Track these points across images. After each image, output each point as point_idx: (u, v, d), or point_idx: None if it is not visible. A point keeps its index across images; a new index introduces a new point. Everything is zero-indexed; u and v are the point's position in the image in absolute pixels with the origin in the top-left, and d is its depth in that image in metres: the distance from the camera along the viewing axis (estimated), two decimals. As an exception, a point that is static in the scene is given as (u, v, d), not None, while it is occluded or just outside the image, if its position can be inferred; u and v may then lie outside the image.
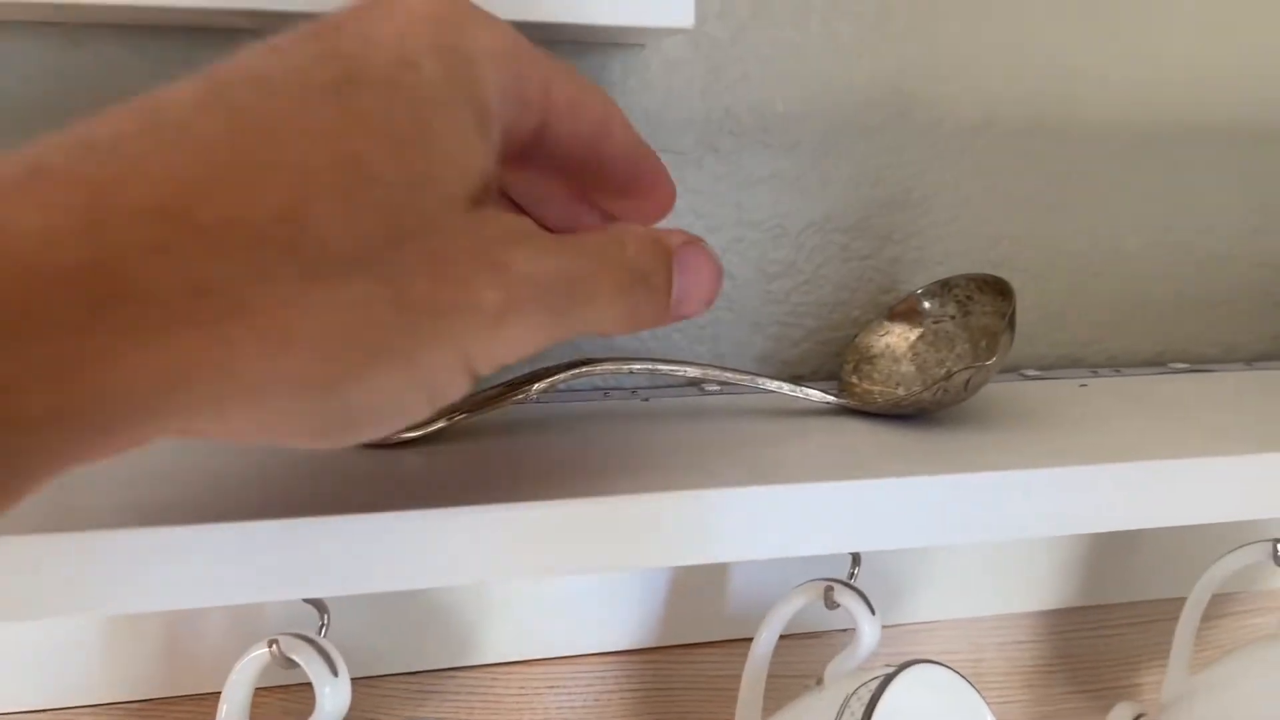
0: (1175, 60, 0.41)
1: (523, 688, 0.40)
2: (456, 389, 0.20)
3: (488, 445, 0.30)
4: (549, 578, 0.40)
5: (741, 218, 0.38)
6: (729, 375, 0.32)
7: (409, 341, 0.19)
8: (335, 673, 0.30)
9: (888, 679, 0.30)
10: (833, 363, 0.40)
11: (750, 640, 0.37)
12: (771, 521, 0.28)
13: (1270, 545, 0.39)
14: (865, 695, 0.29)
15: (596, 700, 0.41)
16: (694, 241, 0.24)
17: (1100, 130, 0.41)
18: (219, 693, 0.31)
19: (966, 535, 0.30)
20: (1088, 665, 0.46)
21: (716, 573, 0.41)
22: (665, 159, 0.37)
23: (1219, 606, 0.47)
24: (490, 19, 0.21)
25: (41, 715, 0.36)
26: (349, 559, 0.25)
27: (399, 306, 0.18)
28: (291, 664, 0.30)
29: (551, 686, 0.41)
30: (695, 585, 0.41)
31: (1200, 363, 0.45)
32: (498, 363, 0.20)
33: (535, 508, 0.26)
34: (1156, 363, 0.45)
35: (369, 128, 0.18)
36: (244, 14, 0.28)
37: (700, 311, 0.25)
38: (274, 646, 0.30)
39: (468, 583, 0.26)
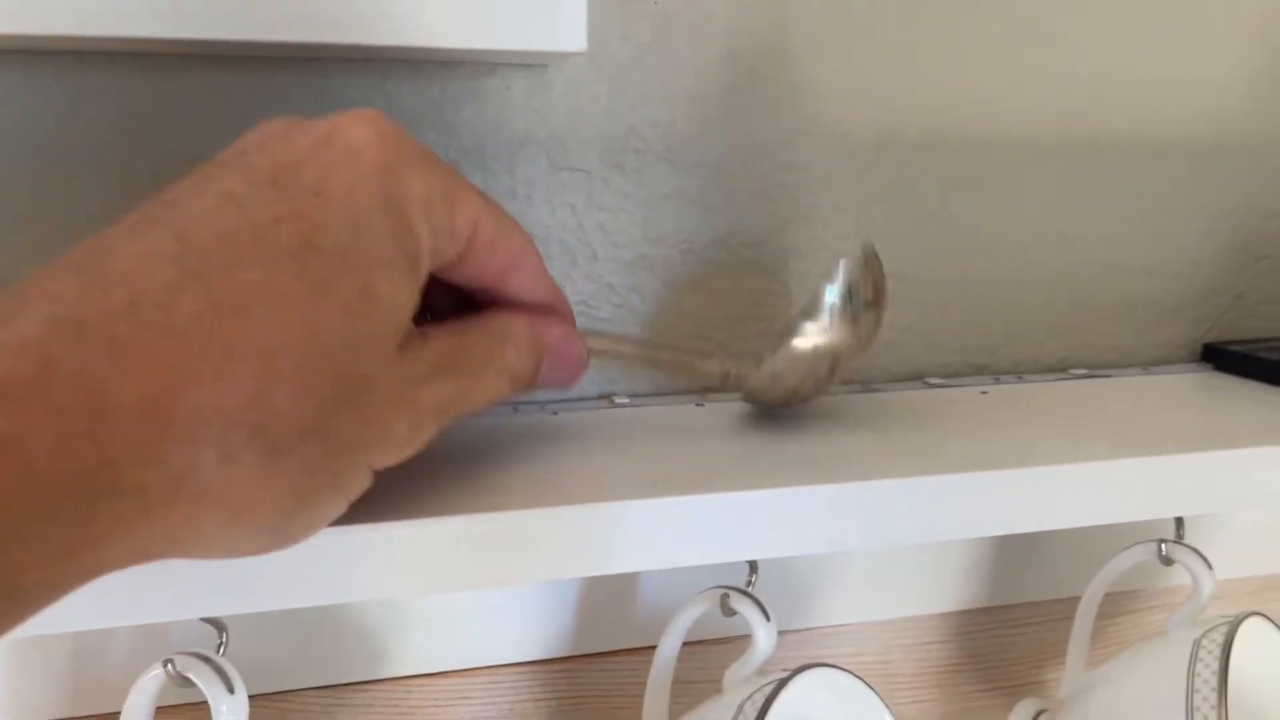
0: (1067, 77, 0.43)
1: (436, 699, 0.40)
2: (364, 487, 0.23)
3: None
4: (455, 592, 0.40)
5: (648, 234, 0.38)
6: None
7: (337, 477, 0.22)
8: (232, 690, 0.30)
9: (781, 683, 0.31)
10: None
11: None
12: (667, 533, 0.29)
13: (1156, 545, 0.40)
14: (759, 700, 0.30)
15: (511, 710, 0.42)
16: (569, 337, 0.28)
17: (997, 145, 0.43)
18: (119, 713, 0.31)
19: (860, 543, 0.31)
20: (994, 664, 0.48)
21: (625, 582, 0.42)
22: (572, 177, 0.38)
23: (1117, 604, 0.49)
24: (428, 161, 0.23)
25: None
26: (247, 577, 0.25)
27: (332, 454, 0.21)
28: (188, 683, 0.30)
29: (465, 698, 0.41)
30: (604, 595, 0.42)
31: (1099, 368, 0.47)
32: (395, 463, 0.23)
33: (440, 523, 0.26)
34: (1058, 369, 0.46)
35: (325, 296, 0.20)
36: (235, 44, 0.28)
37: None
38: (169, 666, 0.30)
39: (371, 599, 0.27)
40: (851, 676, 0.34)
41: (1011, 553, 0.47)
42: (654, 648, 0.38)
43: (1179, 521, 0.40)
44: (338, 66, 0.34)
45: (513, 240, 0.26)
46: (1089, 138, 0.44)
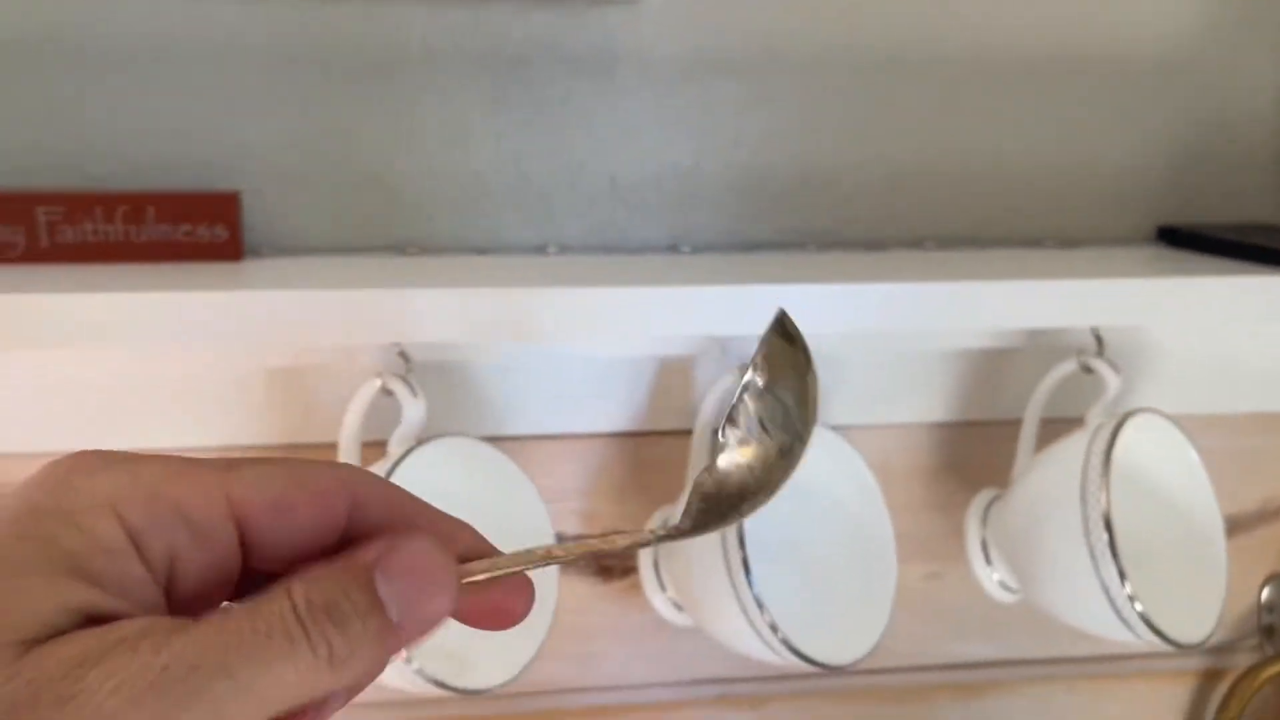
0: (1049, 4, 0.56)
1: (548, 454, 0.56)
2: None
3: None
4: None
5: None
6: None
7: None
8: (415, 395, 0.46)
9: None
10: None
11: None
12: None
13: (1076, 359, 0.54)
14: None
15: (597, 470, 0.57)
16: (410, 544, 0.22)
17: (989, 62, 0.56)
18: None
19: (878, 324, 0.46)
20: (970, 467, 0.61)
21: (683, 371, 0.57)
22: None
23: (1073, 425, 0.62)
24: (118, 464, 0.22)
25: (212, 450, 0.53)
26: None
27: None
28: (389, 393, 0.47)
29: (566, 458, 0.57)
30: (668, 382, 0.57)
31: (1068, 245, 0.60)
32: None
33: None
34: (1034, 245, 0.60)
35: None
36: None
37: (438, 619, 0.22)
38: (379, 380, 0.47)
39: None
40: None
41: (984, 375, 0.60)
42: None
43: (1098, 338, 0.53)
44: None
45: (316, 485, 0.23)
46: (1064, 55, 0.57)
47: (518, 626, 0.42)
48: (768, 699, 0.62)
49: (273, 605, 0.21)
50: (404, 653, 0.22)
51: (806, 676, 0.62)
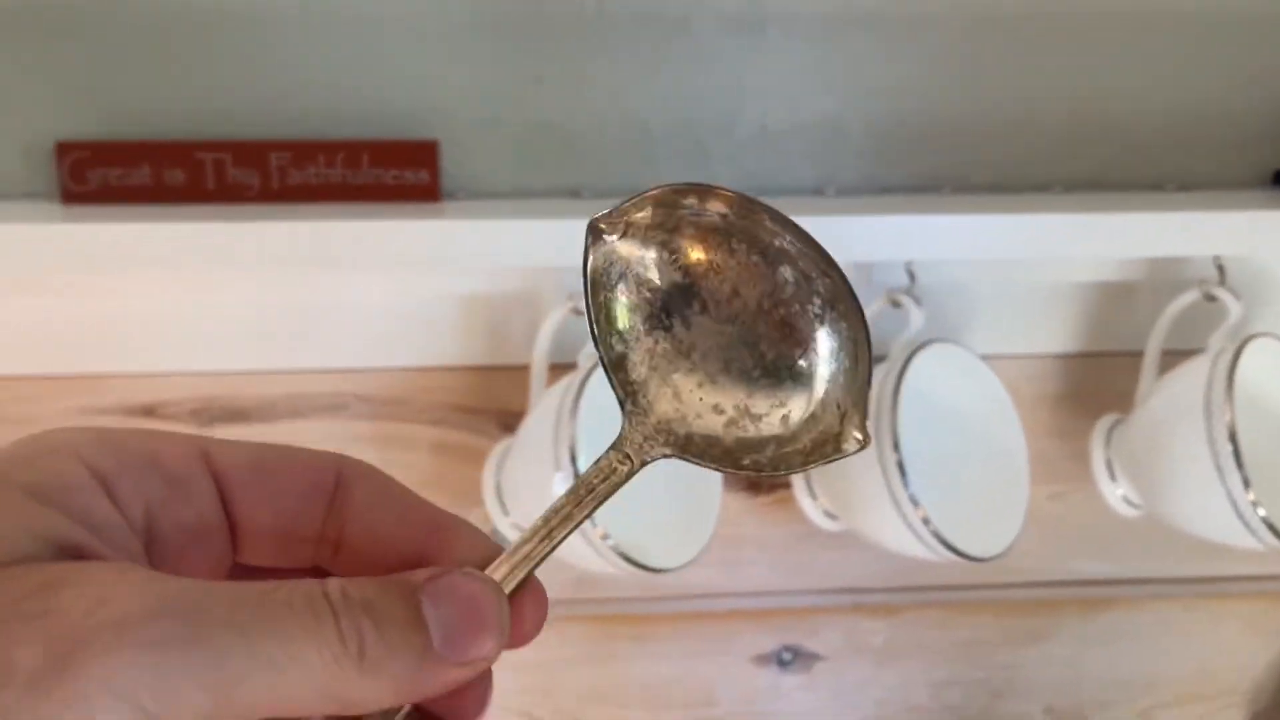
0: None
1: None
2: None
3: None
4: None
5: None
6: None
7: None
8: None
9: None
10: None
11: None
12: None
13: (1198, 289, 0.58)
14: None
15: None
16: (463, 575, 0.20)
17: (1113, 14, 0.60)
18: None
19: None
20: (1092, 396, 0.65)
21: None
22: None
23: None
24: (90, 429, 0.20)
25: (408, 373, 0.60)
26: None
27: None
28: (579, 313, 0.53)
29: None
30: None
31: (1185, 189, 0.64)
32: None
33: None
34: (1155, 188, 0.64)
35: None
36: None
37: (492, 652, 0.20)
38: (571, 302, 0.53)
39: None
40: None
41: (1107, 308, 0.65)
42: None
43: (1220, 267, 0.57)
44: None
45: (310, 463, 0.22)
46: (1184, 2, 0.61)
47: (689, 522, 0.46)
48: (900, 608, 0.67)
49: (300, 583, 0.19)
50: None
51: (936, 589, 0.67)
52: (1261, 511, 0.52)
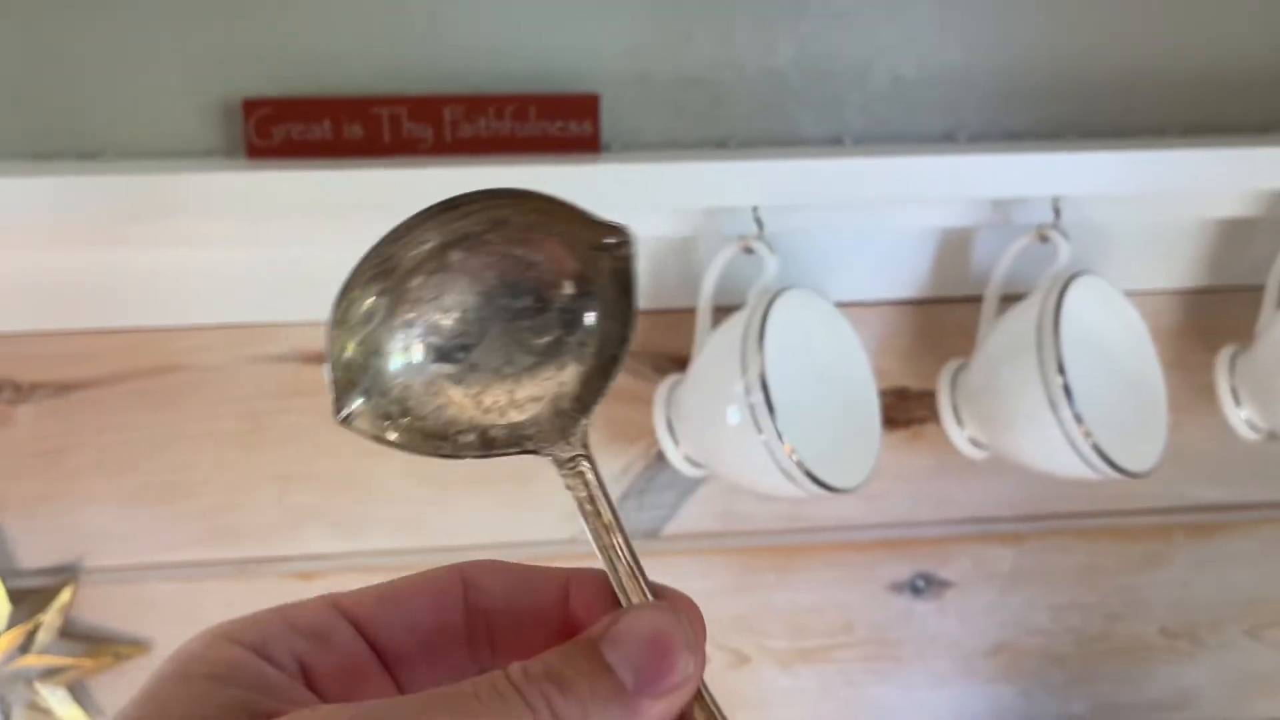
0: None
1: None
2: None
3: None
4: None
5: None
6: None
7: None
8: (772, 251, 0.55)
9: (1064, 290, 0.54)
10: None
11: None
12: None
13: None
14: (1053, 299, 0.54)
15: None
16: (637, 611, 0.21)
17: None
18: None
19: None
20: (1210, 330, 0.69)
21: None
22: None
23: None
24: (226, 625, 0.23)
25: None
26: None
27: None
28: (749, 251, 0.56)
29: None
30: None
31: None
32: None
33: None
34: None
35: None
36: None
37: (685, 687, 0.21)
38: (740, 240, 0.56)
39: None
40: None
41: (1224, 243, 0.68)
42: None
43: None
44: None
45: (424, 583, 0.24)
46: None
47: (855, 447, 0.48)
48: (1025, 536, 0.70)
49: (483, 678, 0.20)
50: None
51: (1059, 517, 0.70)
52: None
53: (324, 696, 0.22)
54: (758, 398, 0.52)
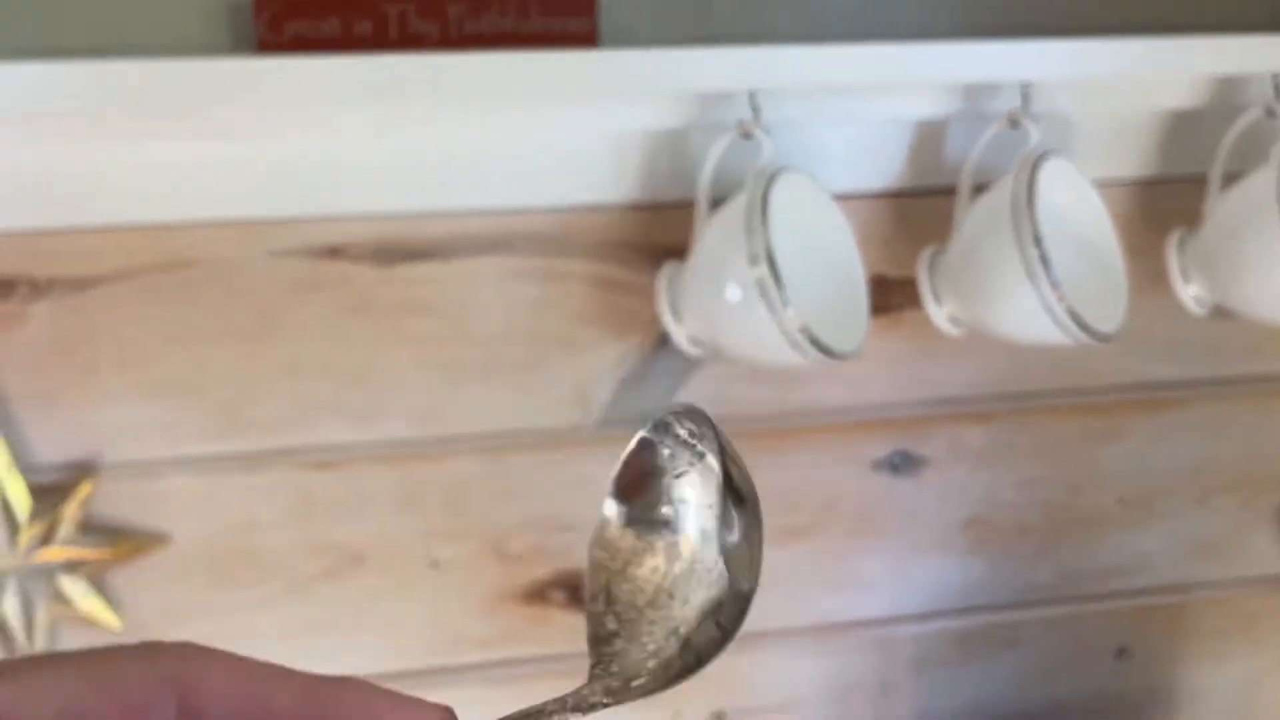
0: None
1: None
2: None
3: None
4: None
5: None
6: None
7: None
8: (769, 134, 0.59)
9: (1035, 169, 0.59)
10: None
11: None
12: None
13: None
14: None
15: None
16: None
17: None
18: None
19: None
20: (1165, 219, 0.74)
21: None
22: None
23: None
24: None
25: (566, 213, 0.66)
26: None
27: None
28: (747, 136, 0.60)
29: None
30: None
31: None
32: None
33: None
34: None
35: None
36: None
37: None
38: (739, 123, 0.59)
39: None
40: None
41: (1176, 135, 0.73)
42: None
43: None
44: None
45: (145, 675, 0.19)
46: None
47: (848, 314, 0.51)
48: (993, 414, 0.75)
49: None
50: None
51: (1026, 395, 0.75)
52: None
53: None
54: (764, 270, 0.56)
